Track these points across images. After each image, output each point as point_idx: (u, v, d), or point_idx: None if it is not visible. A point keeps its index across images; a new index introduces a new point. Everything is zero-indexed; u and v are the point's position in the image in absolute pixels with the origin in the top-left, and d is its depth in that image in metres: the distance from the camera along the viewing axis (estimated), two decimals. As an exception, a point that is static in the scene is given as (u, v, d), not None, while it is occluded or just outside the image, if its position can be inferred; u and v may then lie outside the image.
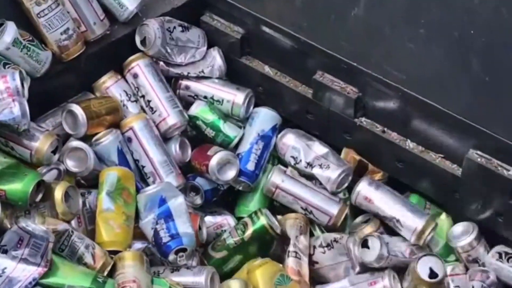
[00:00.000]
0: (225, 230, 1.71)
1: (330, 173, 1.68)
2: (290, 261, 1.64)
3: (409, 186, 1.71)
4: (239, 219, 1.74)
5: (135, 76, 1.72)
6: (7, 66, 1.55)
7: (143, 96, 1.72)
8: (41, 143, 1.51)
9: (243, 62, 1.81)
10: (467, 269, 1.62)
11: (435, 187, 1.66)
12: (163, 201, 1.58)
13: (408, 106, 1.59)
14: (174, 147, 1.73)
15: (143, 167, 1.69)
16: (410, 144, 1.65)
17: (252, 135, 1.76)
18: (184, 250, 1.55)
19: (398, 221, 1.60)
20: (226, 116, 1.78)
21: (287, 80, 1.77)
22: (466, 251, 1.61)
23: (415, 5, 1.50)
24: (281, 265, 1.61)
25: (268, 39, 1.74)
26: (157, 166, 1.68)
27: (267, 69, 1.80)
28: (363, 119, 1.69)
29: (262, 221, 1.64)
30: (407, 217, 1.60)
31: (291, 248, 1.65)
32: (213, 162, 1.69)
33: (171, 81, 1.79)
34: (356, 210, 1.71)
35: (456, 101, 1.52)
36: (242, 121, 1.80)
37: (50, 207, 1.49)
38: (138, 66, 1.72)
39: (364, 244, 1.59)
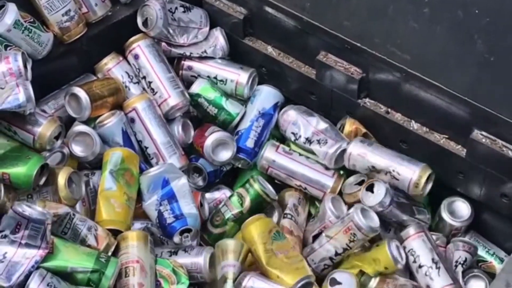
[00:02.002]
0: (223, 204, 1.70)
1: (327, 148, 1.67)
2: (285, 222, 1.65)
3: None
4: None
5: (136, 57, 1.71)
6: (8, 48, 1.55)
7: (144, 77, 1.72)
8: (44, 129, 1.50)
9: (246, 43, 1.80)
10: (447, 242, 1.65)
11: (439, 168, 1.65)
12: (166, 182, 1.58)
13: (412, 87, 1.58)
14: (177, 129, 1.73)
15: (146, 148, 1.69)
16: (414, 125, 1.64)
17: (253, 112, 1.76)
18: (189, 230, 1.55)
19: (394, 170, 1.58)
20: (229, 95, 1.77)
21: (290, 61, 1.76)
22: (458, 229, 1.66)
23: (419, -16, 1.49)
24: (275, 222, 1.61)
25: (271, 20, 1.73)
26: (160, 147, 1.68)
27: (270, 50, 1.79)
28: (366, 99, 1.68)
29: (256, 188, 1.64)
30: (403, 166, 1.58)
31: (287, 211, 1.66)
32: (208, 142, 1.69)
33: (173, 62, 1.79)
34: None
35: (461, 81, 1.51)
36: (245, 100, 1.79)
37: (52, 192, 1.49)
38: (139, 47, 1.71)
39: (369, 188, 1.59)
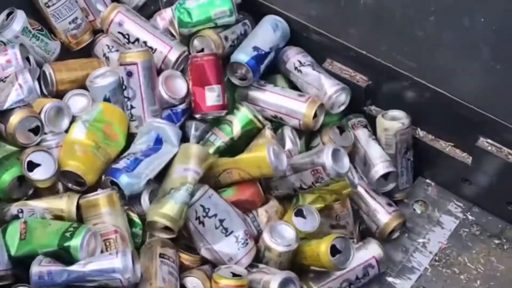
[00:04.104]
0: (212, 133, 1.63)
1: (335, 86, 1.63)
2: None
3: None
4: None
5: (121, 23, 1.64)
6: (11, 48, 1.55)
7: (137, 39, 1.64)
8: (13, 117, 1.42)
9: (252, 51, 1.81)
10: None
11: (445, 175, 1.65)
12: (159, 141, 1.52)
13: (418, 94, 1.58)
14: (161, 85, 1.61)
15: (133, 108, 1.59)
16: (420, 133, 1.64)
17: (275, 42, 1.68)
18: (118, 187, 1.45)
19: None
20: None
21: (296, 69, 1.77)
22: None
23: (425, -8, 1.50)
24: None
25: (277, 27, 1.73)
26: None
27: (276, 58, 1.79)
28: (372, 107, 1.68)
29: (245, 112, 1.60)
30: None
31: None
32: None
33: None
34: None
35: (467, 89, 1.51)
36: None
37: None
38: (120, 13, 1.64)
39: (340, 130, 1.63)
